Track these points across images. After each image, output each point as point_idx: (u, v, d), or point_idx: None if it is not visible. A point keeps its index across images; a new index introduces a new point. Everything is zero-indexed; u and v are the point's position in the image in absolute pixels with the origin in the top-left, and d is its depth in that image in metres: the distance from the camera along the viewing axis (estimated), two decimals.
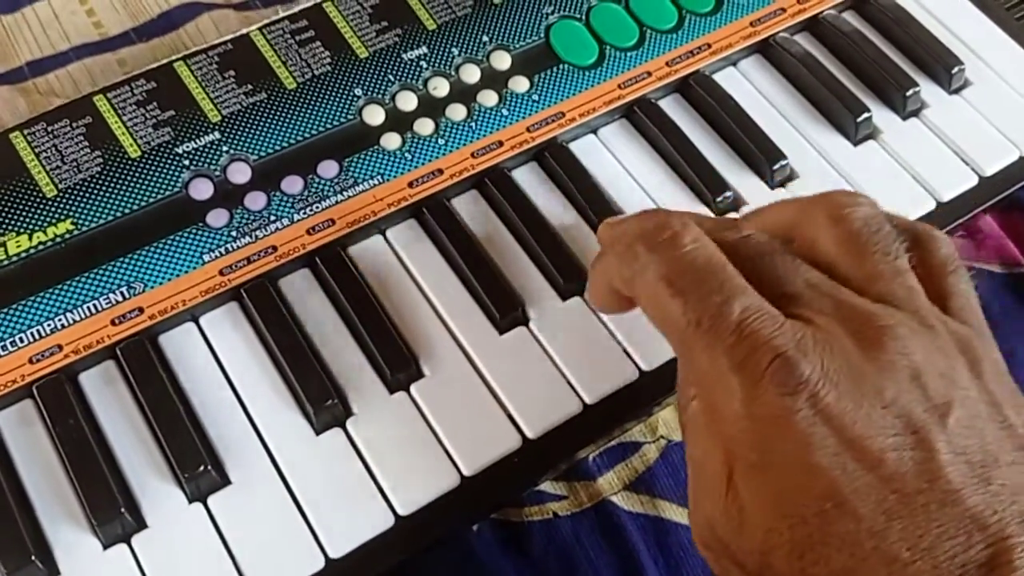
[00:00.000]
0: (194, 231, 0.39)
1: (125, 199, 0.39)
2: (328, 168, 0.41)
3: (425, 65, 0.44)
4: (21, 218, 0.39)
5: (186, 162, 0.41)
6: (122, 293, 0.38)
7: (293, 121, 0.42)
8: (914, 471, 0.24)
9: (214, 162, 0.41)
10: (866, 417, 0.25)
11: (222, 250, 0.39)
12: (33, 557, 0.32)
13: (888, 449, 0.25)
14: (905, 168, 0.44)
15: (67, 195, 0.39)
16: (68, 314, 0.37)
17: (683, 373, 0.29)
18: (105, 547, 0.33)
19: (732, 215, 0.42)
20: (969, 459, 0.25)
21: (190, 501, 0.34)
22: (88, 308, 0.37)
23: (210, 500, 0.34)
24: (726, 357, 0.26)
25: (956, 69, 0.46)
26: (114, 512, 0.33)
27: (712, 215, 0.40)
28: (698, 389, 0.28)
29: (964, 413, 0.25)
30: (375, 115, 0.43)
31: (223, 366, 0.37)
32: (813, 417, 0.25)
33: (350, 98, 0.43)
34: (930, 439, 0.25)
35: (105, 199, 0.39)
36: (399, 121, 0.43)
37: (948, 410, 0.25)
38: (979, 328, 0.29)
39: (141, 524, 0.34)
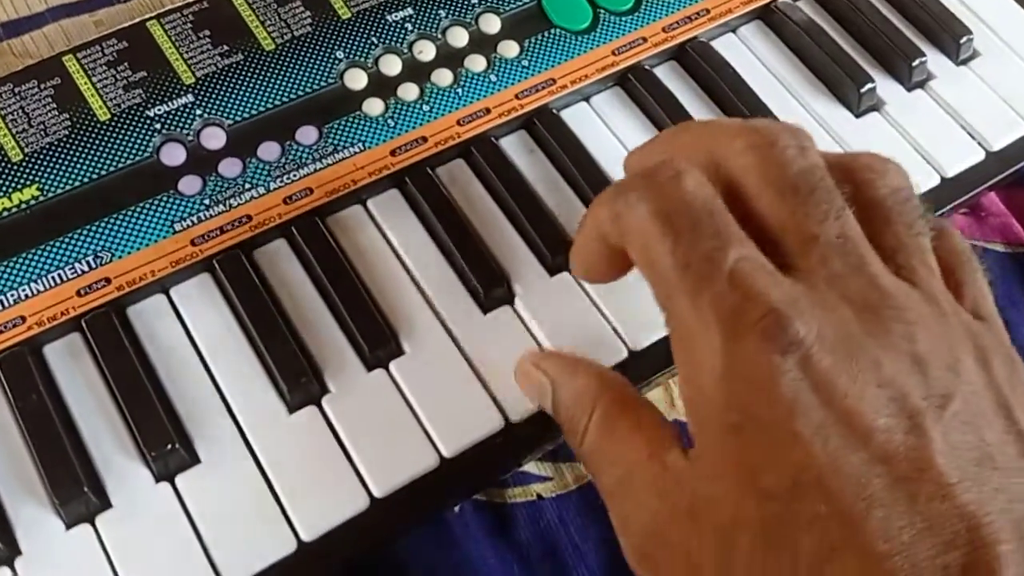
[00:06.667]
0: (165, 198, 0.38)
1: (93, 164, 0.38)
2: (307, 134, 0.40)
3: (410, 27, 0.42)
4: None
5: (158, 126, 0.39)
6: (89, 263, 0.36)
7: (271, 84, 0.40)
8: (905, 457, 0.23)
9: (187, 126, 0.39)
10: (859, 391, 0.23)
11: (194, 219, 0.37)
12: None
13: (879, 430, 0.23)
14: (909, 141, 0.43)
15: (33, 159, 0.38)
16: (32, 284, 0.36)
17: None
18: (68, 527, 0.32)
19: None
20: (965, 455, 0.23)
21: (157, 480, 0.33)
22: (53, 278, 0.36)
23: (178, 479, 0.33)
24: (712, 306, 0.24)
25: (964, 39, 0.45)
26: (77, 491, 0.32)
27: None
28: (675, 344, 0.26)
29: (965, 408, 0.24)
30: (357, 79, 0.41)
31: (194, 340, 0.36)
32: (801, 382, 0.23)
33: (331, 61, 0.41)
34: (925, 426, 0.23)
35: (72, 164, 0.38)
36: (382, 86, 0.41)
37: (947, 402, 0.24)
38: (991, 321, 0.27)
39: (105, 503, 0.33)
